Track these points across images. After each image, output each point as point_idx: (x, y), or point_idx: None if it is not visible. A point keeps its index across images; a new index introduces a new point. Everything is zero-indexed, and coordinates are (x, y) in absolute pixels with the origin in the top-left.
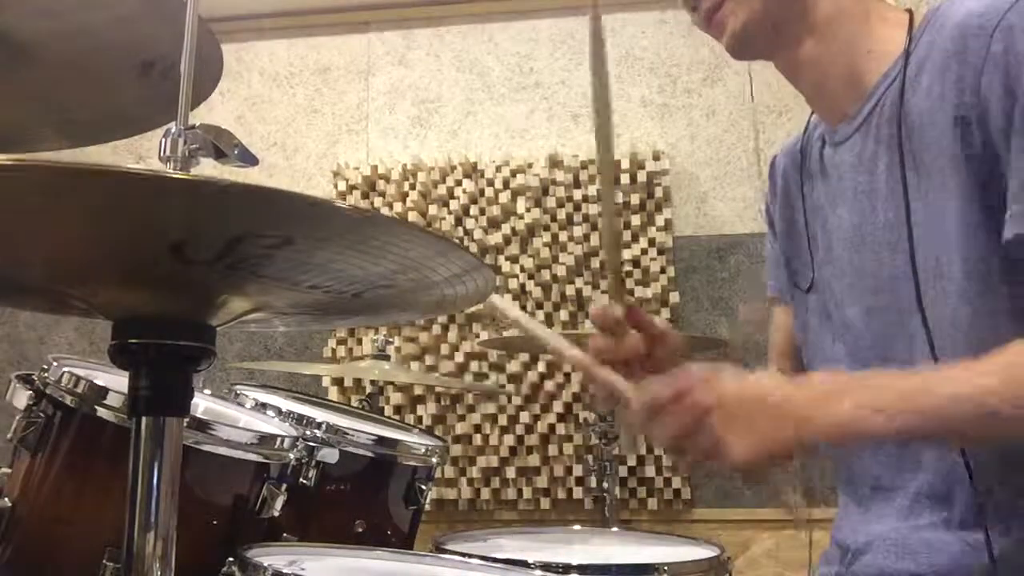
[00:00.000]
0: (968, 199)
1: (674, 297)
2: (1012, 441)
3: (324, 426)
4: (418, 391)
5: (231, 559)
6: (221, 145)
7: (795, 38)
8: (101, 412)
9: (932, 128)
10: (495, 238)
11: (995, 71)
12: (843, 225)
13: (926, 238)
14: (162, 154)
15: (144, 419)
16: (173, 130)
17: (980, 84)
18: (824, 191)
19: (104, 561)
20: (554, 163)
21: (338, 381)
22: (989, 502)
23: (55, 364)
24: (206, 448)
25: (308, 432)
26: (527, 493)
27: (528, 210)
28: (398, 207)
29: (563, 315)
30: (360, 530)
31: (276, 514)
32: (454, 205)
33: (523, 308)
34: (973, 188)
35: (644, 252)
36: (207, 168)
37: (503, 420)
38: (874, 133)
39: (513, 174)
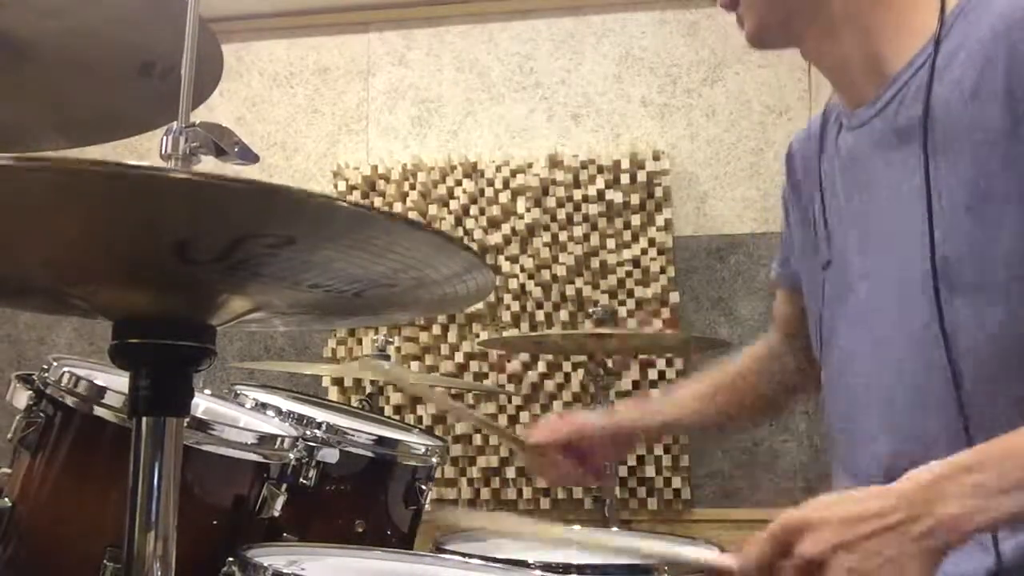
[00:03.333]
0: (1019, 195)
1: (674, 297)
2: None
3: (324, 426)
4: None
5: (231, 559)
6: (221, 143)
7: (808, 30)
8: (101, 412)
9: (960, 121)
10: (495, 238)
11: None
12: (856, 210)
13: (947, 229)
14: (163, 152)
15: (144, 419)
16: (174, 128)
17: None
18: (839, 174)
19: (104, 561)
20: (554, 163)
21: (338, 381)
22: None
23: (55, 364)
24: (206, 448)
25: (308, 432)
26: (527, 493)
27: (528, 210)
28: (398, 207)
29: (563, 315)
30: (360, 530)
31: (276, 514)
32: (454, 205)
33: (523, 308)
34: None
35: (644, 252)
36: (207, 167)
37: (503, 420)
38: (892, 119)
39: (513, 174)
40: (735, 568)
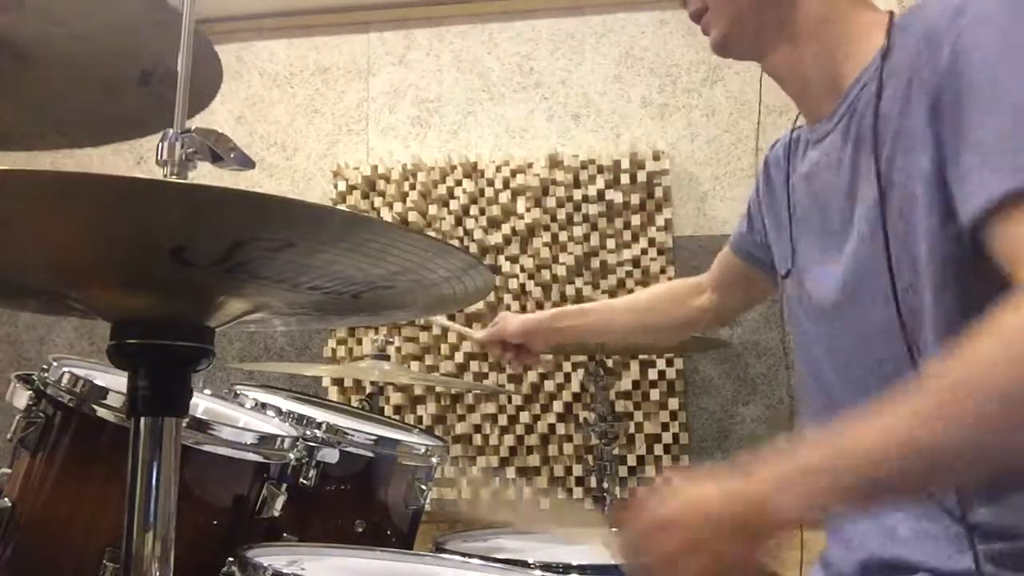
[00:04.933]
0: (935, 199)
1: None
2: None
3: (324, 426)
4: (418, 391)
5: (231, 559)
6: (218, 149)
7: (775, 44)
8: (101, 412)
9: (896, 133)
10: (495, 238)
11: (948, 72)
12: (818, 220)
13: (897, 238)
14: (159, 158)
15: (143, 419)
16: (170, 134)
17: (941, 87)
18: (804, 187)
19: (104, 561)
20: (554, 163)
21: (338, 381)
22: (971, 493)
23: (55, 364)
24: (206, 448)
25: (308, 432)
26: (527, 493)
27: (528, 210)
28: (398, 207)
29: None
30: (360, 530)
31: (276, 514)
32: (454, 205)
33: (523, 308)
34: (940, 189)
35: (644, 252)
36: (205, 169)
37: (503, 420)
38: (846, 131)
39: (513, 174)
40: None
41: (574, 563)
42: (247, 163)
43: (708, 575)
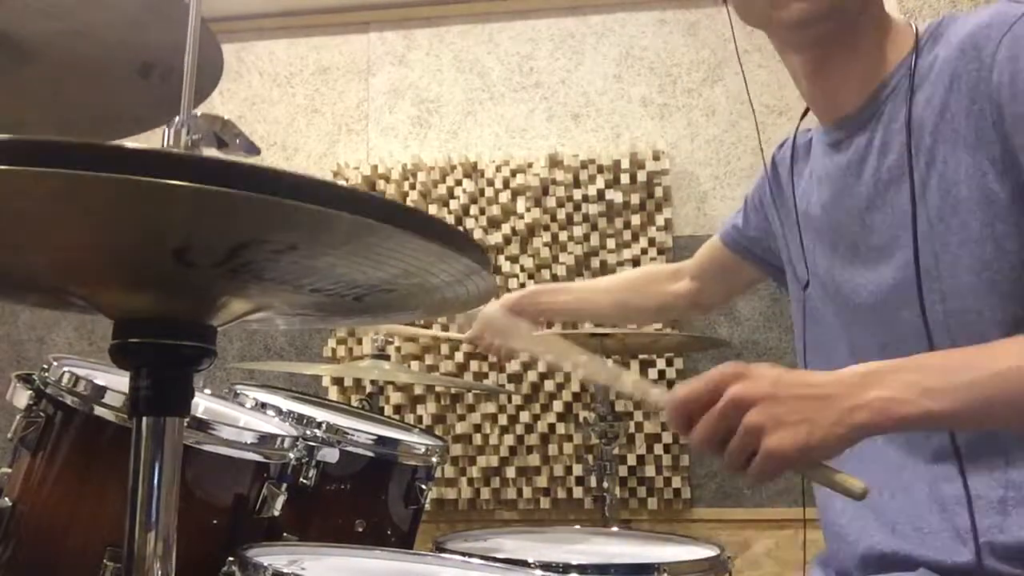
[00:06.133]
0: (980, 206)
1: None
2: None
3: (324, 426)
4: (418, 391)
5: (231, 559)
6: (223, 135)
7: (846, 36)
8: (101, 412)
9: (931, 136)
10: (495, 238)
11: (1004, 80)
12: (840, 226)
13: (924, 238)
14: (165, 145)
15: (144, 419)
16: (176, 120)
17: (991, 94)
18: (818, 191)
19: (104, 561)
20: (554, 163)
21: (338, 381)
22: (977, 488)
23: (55, 364)
24: (206, 448)
25: (308, 432)
26: (527, 493)
27: (528, 210)
28: None
29: None
30: (360, 530)
31: (276, 514)
32: (454, 205)
33: None
34: (986, 194)
35: (644, 252)
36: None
37: (503, 420)
38: (872, 136)
39: (513, 174)
40: (665, 404)
41: (574, 563)
42: (252, 149)
43: (767, 434)
